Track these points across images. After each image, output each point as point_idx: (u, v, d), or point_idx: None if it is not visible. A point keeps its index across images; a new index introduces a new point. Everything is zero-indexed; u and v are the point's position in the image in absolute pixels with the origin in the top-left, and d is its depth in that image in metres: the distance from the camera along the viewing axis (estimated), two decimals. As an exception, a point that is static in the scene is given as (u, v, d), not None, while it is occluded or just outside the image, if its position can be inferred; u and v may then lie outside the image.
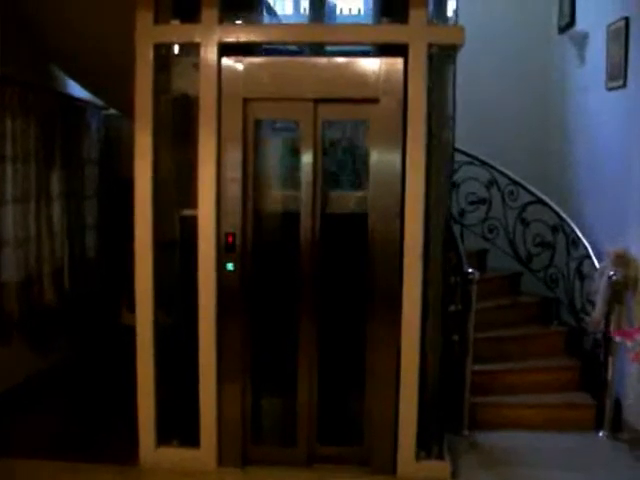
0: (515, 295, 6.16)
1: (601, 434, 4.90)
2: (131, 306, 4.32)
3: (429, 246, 4.10)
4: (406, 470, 4.16)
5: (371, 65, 4.04)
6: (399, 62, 4.01)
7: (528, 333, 5.67)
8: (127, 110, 4.37)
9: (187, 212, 4.19)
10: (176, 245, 4.25)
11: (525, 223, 5.80)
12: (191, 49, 4.10)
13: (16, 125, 5.26)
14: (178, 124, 4.22)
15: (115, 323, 6.59)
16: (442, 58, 4.06)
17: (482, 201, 5.95)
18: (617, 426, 4.91)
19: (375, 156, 4.08)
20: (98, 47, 4.68)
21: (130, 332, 4.31)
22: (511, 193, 5.87)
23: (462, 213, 6.01)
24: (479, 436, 4.87)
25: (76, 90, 6.06)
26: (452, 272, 4.63)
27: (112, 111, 6.65)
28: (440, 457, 4.24)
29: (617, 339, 4.59)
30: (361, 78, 4.06)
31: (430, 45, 3.98)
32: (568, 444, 4.80)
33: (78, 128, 6.28)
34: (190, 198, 4.15)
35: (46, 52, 5.43)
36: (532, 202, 5.79)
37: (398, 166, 4.04)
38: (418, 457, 4.17)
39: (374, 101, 4.04)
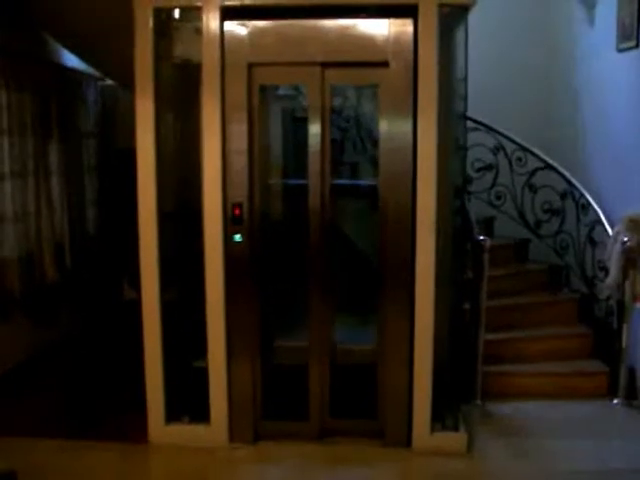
0: (523, 263, 6.08)
1: (615, 402, 4.84)
2: (132, 281, 4.23)
3: (441, 214, 3.98)
4: (421, 442, 4.08)
5: (379, 27, 3.90)
6: (408, 23, 3.88)
7: (538, 301, 5.60)
8: (126, 79, 4.23)
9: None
10: (182, 216, 4.13)
11: (533, 189, 5.71)
12: (192, 13, 3.96)
13: (11, 97, 5.12)
14: (180, 92, 4.08)
15: (117, 298, 6.51)
16: (453, 19, 3.93)
17: (489, 167, 5.83)
18: (631, 394, 4.85)
19: (385, 122, 3.96)
20: (94, 13, 4.52)
21: (132, 307, 4.21)
22: (519, 159, 5.76)
23: (468, 180, 5.88)
24: (491, 406, 4.80)
25: (71, 61, 5.90)
26: (463, 240, 4.54)
27: (108, 82, 6.50)
28: (455, 429, 4.16)
29: (638, 305, 4.51)
30: (369, 40, 3.92)
31: (441, 5, 3.84)
32: (582, 412, 4.75)
33: (74, 100, 6.14)
34: (195, 168, 4.02)
35: (39, 21, 5.25)
36: (540, 168, 5.69)
37: (409, 132, 3.92)
38: (433, 429, 4.10)
39: (383, 64, 3.91)
